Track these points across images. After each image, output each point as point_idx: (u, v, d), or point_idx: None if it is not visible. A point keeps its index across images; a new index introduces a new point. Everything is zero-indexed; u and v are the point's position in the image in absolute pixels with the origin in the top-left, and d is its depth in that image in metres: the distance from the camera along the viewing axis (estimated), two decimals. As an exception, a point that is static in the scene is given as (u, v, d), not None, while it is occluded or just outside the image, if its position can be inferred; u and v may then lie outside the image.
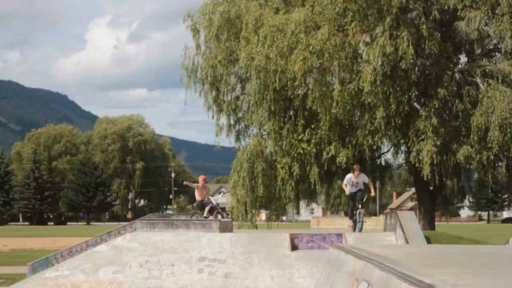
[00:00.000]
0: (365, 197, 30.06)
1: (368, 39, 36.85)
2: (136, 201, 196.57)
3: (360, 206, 29.01)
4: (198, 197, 32.13)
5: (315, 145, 38.69)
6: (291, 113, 40.65)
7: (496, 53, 38.99)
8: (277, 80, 37.11)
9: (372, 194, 30.34)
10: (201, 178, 32.83)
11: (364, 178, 29.28)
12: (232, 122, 42.86)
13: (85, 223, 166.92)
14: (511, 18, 35.30)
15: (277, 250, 27.54)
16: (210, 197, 32.90)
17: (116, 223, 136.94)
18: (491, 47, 39.18)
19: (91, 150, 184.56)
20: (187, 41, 43.10)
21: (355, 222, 29.44)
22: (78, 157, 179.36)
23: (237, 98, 42.67)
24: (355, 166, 29.48)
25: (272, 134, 39.48)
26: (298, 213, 47.02)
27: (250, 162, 39.98)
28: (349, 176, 29.03)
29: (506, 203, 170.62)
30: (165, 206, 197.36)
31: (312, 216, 71.30)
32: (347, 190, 29.03)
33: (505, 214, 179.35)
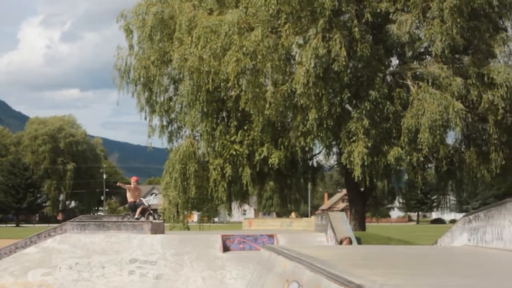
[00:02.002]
0: None
1: (301, 41, 36.99)
2: (67, 202, 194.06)
3: None
4: (130, 198, 31.89)
5: (247, 147, 38.72)
6: (224, 114, 40.65)
7: (427, 56, 39.53)
8: (210, 81, 37.05)
9: None
10: (133, 180, 32.60)
11: None
12: (164, 123, 42.67)
13: (15, 225, 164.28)
14: (441, 21, 35.81)
15: (208, 252, 27.49)
16: (142, 198, 32.68)
17: (47, 225, 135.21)
18: (422, 50, 39.73)
19: (21, 151, 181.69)
20: (121, 41, 42.80)
21: None
22: (8, 158, 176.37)
23: (170, 99, 42.48)
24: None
25: (205, 135, 39.40)
26: (230, 214, 47.09)
27: (183, 163, 39.83)
28: None
29: (435, 204, 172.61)
30: (96, 208, 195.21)
31: (244, 217, 71.23)
32: None
33: (434, 215, 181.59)
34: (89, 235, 28.62)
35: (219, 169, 39.28)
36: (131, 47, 42.14)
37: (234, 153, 38.82)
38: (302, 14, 36.55)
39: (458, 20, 35.77)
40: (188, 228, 43.76)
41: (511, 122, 38.46)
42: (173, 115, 42.73)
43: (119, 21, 42.22)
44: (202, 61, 37.23)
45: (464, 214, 16.29)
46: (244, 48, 35.99)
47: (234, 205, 46.11)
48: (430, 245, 20.60)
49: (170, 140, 42.80)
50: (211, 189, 39.85)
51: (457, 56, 38.10)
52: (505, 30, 39.63)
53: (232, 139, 39.00)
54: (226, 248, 27.86)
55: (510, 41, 38.80)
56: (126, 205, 35.44)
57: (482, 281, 7.93)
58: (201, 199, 42.40)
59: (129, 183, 33.02)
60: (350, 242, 20.51)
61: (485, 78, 36.41)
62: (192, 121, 39.79)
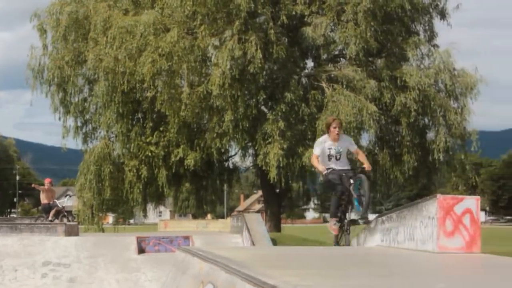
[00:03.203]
0: (361, 173, 15.62)
1: (217, 43, 37.01)
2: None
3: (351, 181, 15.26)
4: (43, 200, 31.47)
5: (163, 148, 38.57)
6: (140, 115, 40.41)
7: (341, 59, 39.98)
8: (126, 82, 36.79)
9: (368, 167, 15.65)
10: (46, 181, 32.21)
11: (348, 144, 15.90)
12: (79, 124, 42.14)
13: None
14: (355, 25, 36.29)
15: (123, 254, 27.29)
16: (56, 200, 32.27)
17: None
18: (337, 52, 40.14)
19: None
20: (34, 41, 42.09)
21: (341, 222, 15.67)
22: None
23: (85, 99, 42.00)
24: (330, 120, 15.87)
25: (120, 136, 39.11)
26: (145, 216, 46.78)
27: (98, 164, 39.46)
28: (323, 138, 15.73)
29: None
30: (9, 210, 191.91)
31: (160, 219, 71.01)
32: (320, 166, 15.35)
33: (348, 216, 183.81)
34: (1, 237, 28.11)
35: (135, 171, 39.03)
36: (45, 47, 41.52)
37: (149, 154, 38.62)
38: (218, 16, 36.59)
39: (372, 23, 36.33)
40: (103, 230, 43.34)
41: (423, 125, 39.23)
42: (88, 116, 42.26)
43: (33, 20, 41.55)
44: (117, 62, 36.94)
45: (377, 215, 16.52)
46: (160, 49, 35.85)
47: (150, 206, 45.83)
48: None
49: (85, 141, 42.32)
50: (126, 190, 39.55)
51: (371, 59, 38.65)
52: (417, 34, 40.39)
53: (148, 140, 38.80)
54: (141, 250, 27.71)
55: (422, 45, 39.53)
56: (40, 207, 34.95)
57: (393, 281, 8.07)
58: (116, 201, 41.98)
59: (43, 185, 32.58)
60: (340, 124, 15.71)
61: (398, 81, 37.03)
62: (107, 122, 39.46)
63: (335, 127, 15.31)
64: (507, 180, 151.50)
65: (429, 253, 11.71)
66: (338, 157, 15.25)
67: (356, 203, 14.72)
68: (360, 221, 15.41)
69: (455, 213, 12.04)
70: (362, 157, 16.02)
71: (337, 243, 15.75)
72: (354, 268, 9.75)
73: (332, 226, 15.45)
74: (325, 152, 15.31)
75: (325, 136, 15.56)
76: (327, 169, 15.17)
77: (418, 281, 8.06)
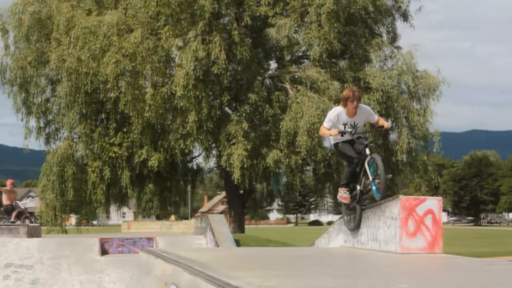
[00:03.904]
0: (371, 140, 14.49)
1: (181, 44, 36.94)
2: None
3: (368, 151, 13.66)
4: (5, 201, 31.19)
5: (127, 149, 38.45)
6: (103, 116, 40.22)
7: (305, 60, 40.08)
8: (89, 82, 36.65)
9: (387, 126, 14.41)
10: (8, 182, 31.94)
11: (368, 116, 14.07)
12: (42, 124, 41.84)
13: None
14: (319, 26, 36.42)
15: (86, 255, 27.13)
16: (18, 201, 32.01)
17: None
18: (300, 54, 40.24)
19: None
20: (-4, 41, 41.67)
21: (353, 192, 14.20)
22: None
23: (48, 100, 41.72)
24: (349, 93, 13.65)
25: (83, 137, 38.92)
26: (108, 217, 46.60)
27: (60, 165, 39.19)
28: (338, 111, 13.82)
29: (313, 206, 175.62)
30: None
31: (124, 220, 70.67)
32: (333, 131, 13.79)
33: (312, 216, 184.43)
34: (-37, 239, 27.80)
35: (98, 172, 38.83)
36: (7, 47, 41.17)
37: (113, 155, 38.47)
38: (182, 17, 36.53)
39: (335, 25, 36.45)
40: (66, 232, 43.03)
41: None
42: (50, 117, 41.97)
43: (-5, 20, 41.23)
44: (80, 62, 36.77)
45: (340, 215, 16.59)
46: (124, 50, 35.74)
47: (113, 207, 45.68)
48: (308, 247, 20.92)
49: (47, 142, 42.02)
50: (89, 191, 39.33)
51: (334, 60, 38.77)
52: (380, 35, 40.64)
53: (111, 141, 38.65)
54: (104, 252, 27.57)
55: (385, 46, 39.77)
56: (2, 208, 34.61)
57: (356, 281, 8.11)
58: (79, 202, 41.74)
59: (5, 186, 32.31)
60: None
61: (362, 82, 37.18)
62: (70, 123, 39.24)
63: (353, 101, 13.35)
64: (469, 181, 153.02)
65: (392, 254, 11.79)
66: (353, 132, 13.64)
67: (373, 187, 13.28)
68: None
69: (417, 214, 12.14)
70: (382, 122, 14.23)
71: (346, 213, 14.61)
72: (317, 269, 9.79)
73: (342, 195, 14.14)
74: (338, 127, 13.60)
75: (341, 109, 13.61)
76: (341, 133, 13.56)
77: (381, 281, 8.12)
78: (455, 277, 8.97)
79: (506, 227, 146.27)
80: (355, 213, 14.15)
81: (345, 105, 13.47)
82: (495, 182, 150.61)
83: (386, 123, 14.23)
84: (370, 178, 13.31)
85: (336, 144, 13.90)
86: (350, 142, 13.69)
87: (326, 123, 13.71)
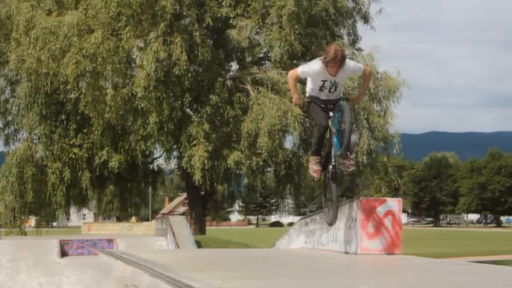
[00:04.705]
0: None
1: (142, 44, 36.83)
2: None
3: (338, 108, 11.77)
4: (-37, 203, 30.89)
5: (87, 150, 38.26)
6: (63, 117, 39.98)
7: (266, 61, 40.18)
8: (49, 83, 36.38)
9: (356, 99, 13.93)
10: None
11: (351, 72, 12.19)
12: (1, 125, 41.57)
13: None
14: (280, 28, 36.50)
15: (46, 257, 26.95)
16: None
17: None
18: (261, 55, 40.33)
19: None
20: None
21: (325, 158, 11.99)
22: None
23: (7, 101, 41.37)
24: (330, 54, 11.34)
25: (43, 138, 38.65)
26: (68, 218, 46.31)
27: (20, 167, 38.87)
28: (317, 66, 11.59)
29: (274, 207, 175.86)
30: None
31: (84, 221, 70.41)
32: (295, 94, 12.17)
33: (273, 218, 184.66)
34: None
35: (58, 173, 38.58)
36: (-35, 47, 40.77)
37: (73, 156, 38.26)
38: (143, 17, 36.42)
39: (296, 26, 36.55)
40: (25, 233, 42.68)
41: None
42: (10, 118, 41.62)
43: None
44: (40, 63, 36.49)
45: (301, 217, 16.63)
46: (84, 50, 35.56)
47: (73, 209, 45.39)
48: (268, 248, 20.94)
49: (6, 143, 41.66)
50: (49, 193, 39.06)
51: (295, 61, 38.71)
52: (341, 37, 40.78)
53: (71, 142, 38.44)
54: (64, 253, 27.43)
55: (346, 48, 39.90)
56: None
57: (316, 282, 8.14)
58: (39, 204, 41.48)
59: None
60: None
61: (322, 84, 37.26)
62: (30, 124, 38.95)
63: (334, 65, 11.33)
64: (428, 182, 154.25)
65: (352, 255, 11.84)
66: (332, 89, 11.70)
67: (335, 140, 11.59)
68: (338, 165, 11.66)
69: (378, 215, 12.19)
70: (364, 86, 12.76)
71: (325, 204, 12.38)
72: (278, 270, 9.80)
73: (313, 167, 11.89)
74: (316, 82, 11.68)
75: (322, 63, 11.48)
76: (311, 96, 11.78)
77: (341, 282, 8.15)
78: (414, 277, 9.03)
79: (465, 228, 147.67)
80: (331, 199, 11.90)
81: (326, 62, 11.39)
82: (454, 183, 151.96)
83: (359, 96, 13.10)
84: (333, 130, 11.61)
85: (309, 102, 11.90)
86: (323, 103, 11.73)
87: (300, 70, 11.81)
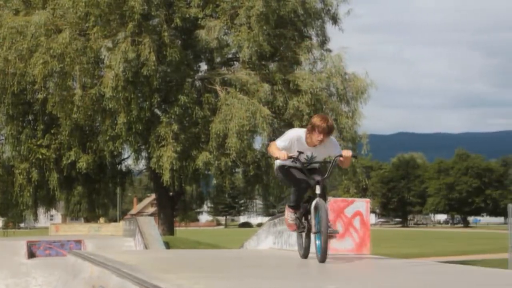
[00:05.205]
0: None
1: (110, 45, 36.67)
2: None
3: (319, 193, 10.80)
4: None
5: (55, 151, 38.01)
6: (31, 117, 39.71)
7: (235, 62, 40.16)
8: (16, 83, 36.10)
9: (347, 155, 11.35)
10: None
11: (331, 152, 11.24)
12: (-33, 126, 41.12)
13: None
14: (249, 28, 36.50)
15: (13, 258, 26.77)
16: None
17: None
18: (230, 56, 40.31)
19: None
20: None
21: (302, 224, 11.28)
22: None
23: (-27, 101, 40.98)
24: (320, 122, 10.67)
25: (10, 139, 38.34)
26: (36, 219, 46.00)
27: (-14, 167, 38.59)
28: (298, 134, 11.05)
29: (242, 208, 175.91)
30: None
31: (51, 222, 69.96)
32: (281, 152, 10.84)
33: (242, 218, 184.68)
34: None
35: (25, 174, 38.30)
36: None
37: (40, 157, 38.00)
38: (111, 17, 36.28)
39: (265, 27, 36.57)
40: (-8, 235, 42.41)
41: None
42: (-24, 119, 41.26)
43: None
44: (7, 63, 36.21)
45: (270, 217, 16.66)
46: (52, 50, 35.33)
47: (41, 210, 45.14)
48: (237, 249, 20.97)
49: (-27, 143, 41.32)
50: (16, 194, 38.77)
51: (264, 62, 38.88)
52: (310, 38, 40.85)
53: (39, 143, 38.18)
54: (31, 255, 27.25)
55: (314, 49, 40.02)
56: None
57: (285, 282, 8.15)
58: (6, 204, 41.20)
59: None
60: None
61: (291, 85, 37.38)
62: (-3, 124, 38.70)
63: (320, 133, 10.59)
64: (396, 182, 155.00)
65: (320, 255, 11.85)
66: (307, 164, 10.89)
67: (317, 241, 10.61)
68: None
69: (346, 215, 12.25)
70: (345, 154, 11.27)
71: (299, 237, 11.49)
72: (247, 270, 9.81)
73: (288, 221, 11.21)
74: (291, 151, 10.78)
75: (302, 132, 10.91)
76: (292, 157, 10.70)
77: (310, 283, 8.17)
78: (381, 277, 9.09)
79: (433, 228, 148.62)
80: (307, 239, 11.29)
81: (309, 131, 10.67)
82: (422, 184, 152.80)
83: (347, 153, 11.21)
84: (313, 230, 10.67)
85: (282, 166, 11.10)
86: (300, 169, 10.91)
87: (279, 142, 10.94)
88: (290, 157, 10.67)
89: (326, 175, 10.81)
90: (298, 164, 10.82)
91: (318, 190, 10.61)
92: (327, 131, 10.56)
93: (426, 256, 45.47)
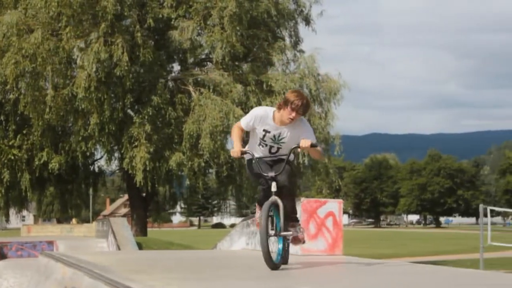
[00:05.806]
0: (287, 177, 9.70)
1: (82, 45, 36.51)
2: None
3: (274, 190, 9.48)
4: None
5: (26, 151, 37.84)
6: (2, 118, 39.48)
7: (208, 63, 40.17)
8: (-13, 84, 35.94)
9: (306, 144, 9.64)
10: None
11: (304, 133, 9.78)
12: None
13: None
14: (221, 29, 36.51)
15: (-16, 260, 26.55)
16: None
17: None
18: (203, 56, 40.31)
19: None
20: None
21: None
22: None
23: None
24: (294, 98, 9.39)
25: (-19, 139, 38.12)
26: (8, 220, 45.78)
27: (-43, 168, 38.30)
28: (265, 112, 9.89)
29: (216, 208, 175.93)
30: None
31: (23, 223, 69.66)
32: (237, 144, 10.03)
33: (215, 219, 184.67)
34: None
35: (-4, 175, 38.11)
36: None
37: (12, 157, 37.80)
38: (84, 18, 36.16)
39: (238, 28, 36.62)
40: (-38, 236, 42.10)
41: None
42: None
43: None
44: (-22, 63, 36.02)
45: (243, 218, 16.68)
46: (23, 51, 35.17)
47: (12, 211, 44.90)
48: (210, 249, 20.95)
49: None
50: (-13, 195, 38.56)
51: (237, 63, 38.92)
52: (283, 39, 40.92)
53: (11, 143, 37.99)
54: (3, 256, 27.11)
55: (287, 50, 40.10)
56: None
57: (258, 283, 8.16)
58: (-23, 205, 40.89)
59: None
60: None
61: (264, 86, 37.43)
62: (-32, 125, 38.45)
63: (293, 110, 9.41)
64: (369, 183, 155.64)
65: (293, 256, 11.89)
66: (273, 150, 9.88)
67: (280, 245, 9.65)
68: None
69: (318, 216, 12.28)
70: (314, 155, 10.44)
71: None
72: (220, 271, 9.81)
73: (257, 219, 9.85)
74: (257, 133, 9.97)
75: (271, 110, 9.84)
76: (247, 153, 9.94)
77: (283, 284, 8.19)
78: (354, 278, 9.12)
79: (405, 228, 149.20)
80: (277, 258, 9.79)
81: (281, 107, 9.51)
82: (394, 184, 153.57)
83: (305, 142, 9.62)
84: (272, 232, 9.41)
85: (249, 160, 10.17)
86: (261, 164, 9.83)
87: (243, 121, 10.06)
88: (243, 153, 9.86)
89: (280, 171, 9.48)
90: (261, 154, 9.90)
91: (273, 187, 9.43)
92: (302, 110, 9.43)
93: (399, 257, 45.63)
